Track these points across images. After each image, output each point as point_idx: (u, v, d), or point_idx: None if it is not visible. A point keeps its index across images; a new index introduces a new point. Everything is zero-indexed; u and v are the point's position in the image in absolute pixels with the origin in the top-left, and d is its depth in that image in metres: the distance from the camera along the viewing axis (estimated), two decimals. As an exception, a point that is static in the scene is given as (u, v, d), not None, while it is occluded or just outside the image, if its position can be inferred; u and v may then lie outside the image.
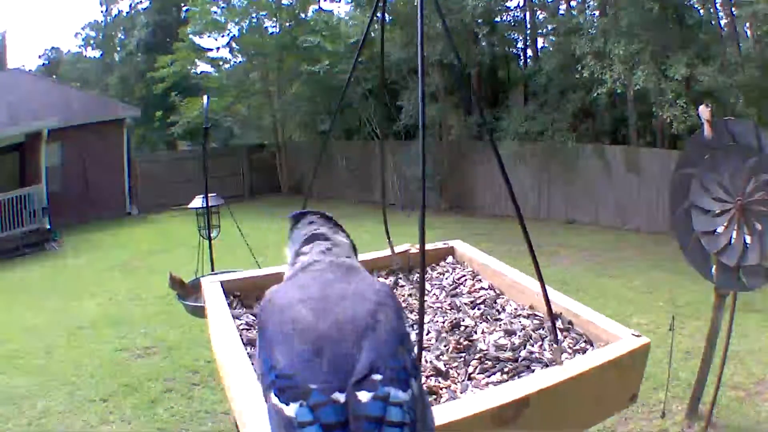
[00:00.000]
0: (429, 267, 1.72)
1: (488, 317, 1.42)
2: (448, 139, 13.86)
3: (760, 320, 5.41)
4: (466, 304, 1.49)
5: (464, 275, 1.68)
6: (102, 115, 14.40)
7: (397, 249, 1.78)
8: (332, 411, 0.57)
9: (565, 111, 12.16)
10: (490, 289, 1.57)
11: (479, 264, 1.69)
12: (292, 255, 0.77)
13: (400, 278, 1.68)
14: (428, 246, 1.71)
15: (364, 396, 0.58)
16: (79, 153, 13.47)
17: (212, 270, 3.05)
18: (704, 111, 3.24)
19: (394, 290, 1.55)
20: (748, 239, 2.98)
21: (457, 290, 1.59)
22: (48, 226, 11.66)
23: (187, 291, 2.77)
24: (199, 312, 2.78)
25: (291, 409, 0.58)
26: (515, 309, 1.46)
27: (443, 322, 1.38)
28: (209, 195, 3.13)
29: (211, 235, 3.17)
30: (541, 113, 12.52)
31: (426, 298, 1.49)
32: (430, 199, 13.75)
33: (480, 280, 1.64)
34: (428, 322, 1.38)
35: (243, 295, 1.50)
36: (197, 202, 3.16)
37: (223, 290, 1.46)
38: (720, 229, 3.12)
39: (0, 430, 3.80)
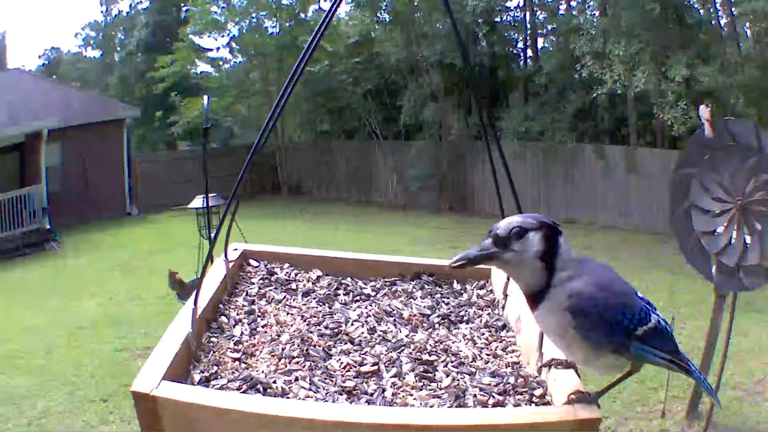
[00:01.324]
0: (242, 280, 1.52)
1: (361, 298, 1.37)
2: (448, 139, 13.87)
3: (761, 320, 5.41)
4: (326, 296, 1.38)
5: (285, 269, 1.52)
6: (102, 115, 14.41)
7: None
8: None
9: (565, 111, 12.18)
10: (329, 275, 1.48)
11: (284, 255, 1.56)
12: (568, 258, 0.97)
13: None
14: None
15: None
16: (79, 153, 13.47)
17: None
18: (704, 111, 3.25)
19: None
20: (748, 239, 2.98)
21: (294, 285, 1.44)
22: (48, 226, 11.66)
23: (187, 291, 2.77)
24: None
25: (654, 321, 0.94)
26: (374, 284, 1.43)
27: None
28: (209, 195, 3.12)
29: (211, 235, 3.17)
30: (541, 113, 12.53)
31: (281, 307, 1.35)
32: (429, 199, 13.78)
33: (299, 268, 1.51)
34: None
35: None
36: (197, 202, 3.15)
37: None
38: (720, 229, 3.12)
39: (0, 430, 3.79)
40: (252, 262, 1.55)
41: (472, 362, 1.12)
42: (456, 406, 0.97)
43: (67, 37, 55.09)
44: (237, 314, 1.30)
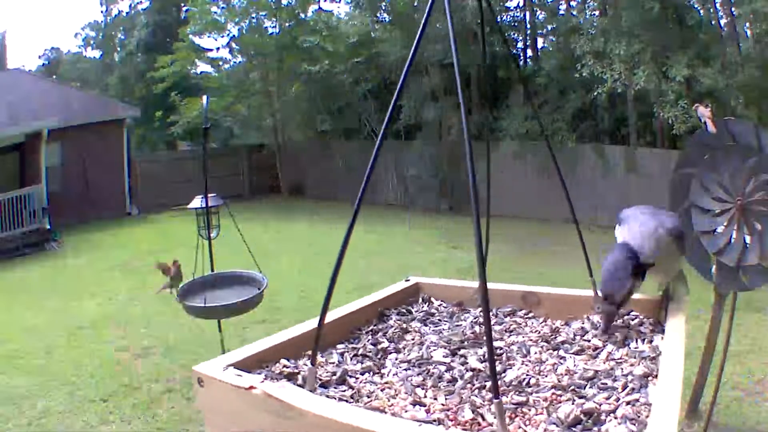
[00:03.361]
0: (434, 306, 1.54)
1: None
2: (448, 139, 13.86)
3: (761, 319, 5.41)
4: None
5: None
6: (102, 115, 14.40)
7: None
8: None
9: (564, 111, 12.17)
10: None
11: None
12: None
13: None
14: (396, 288, 1.52)
15: None
16: (79, 153, 13.47)
17: (212, 270, 3.05)
18: (704, 110, 3.24)
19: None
20: (748, 239, 2.98)
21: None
22: (48, 226, 11.66)
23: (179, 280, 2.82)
24: (193, 312, 2.78)
25: None
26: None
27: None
28: (209, 195, 3.12)
29: (211, 235, 3.17)
30: (541, 113, 12.53)
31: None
32: (429, 199, 13.78)
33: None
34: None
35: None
36: (197, 202, 3.15)
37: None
38: (720, 229, 3.11)
39: (0, 430, 3.79)
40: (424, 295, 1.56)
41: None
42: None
43: (67, 37, 55.11)
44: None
